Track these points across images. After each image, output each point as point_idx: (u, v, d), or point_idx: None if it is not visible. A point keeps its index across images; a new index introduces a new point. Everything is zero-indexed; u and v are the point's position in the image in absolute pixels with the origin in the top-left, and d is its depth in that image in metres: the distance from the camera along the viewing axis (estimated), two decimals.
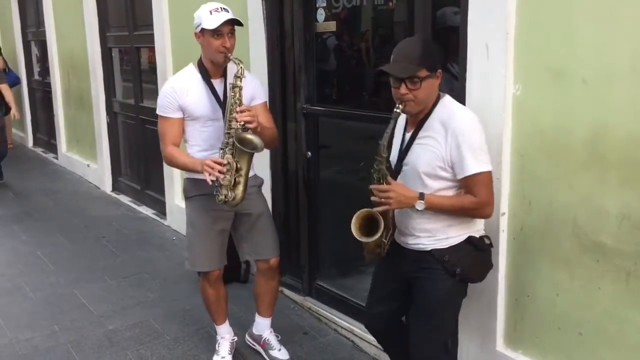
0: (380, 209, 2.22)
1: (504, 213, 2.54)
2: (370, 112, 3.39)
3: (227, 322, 3.31)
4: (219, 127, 2.86)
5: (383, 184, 2.23)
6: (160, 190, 5.62)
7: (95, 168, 7.10)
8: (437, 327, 2.39)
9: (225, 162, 2.73)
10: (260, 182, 3.14)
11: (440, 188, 2.26)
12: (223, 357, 3.25)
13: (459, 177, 2.22)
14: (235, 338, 3.33)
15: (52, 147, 8.61)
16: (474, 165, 2.18)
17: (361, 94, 3.75)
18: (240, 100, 2.77)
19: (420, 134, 2.29)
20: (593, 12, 2.15)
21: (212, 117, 2.90)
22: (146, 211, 6.01)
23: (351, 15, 3.47)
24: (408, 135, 2.34)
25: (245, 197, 2.85)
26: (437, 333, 2.40)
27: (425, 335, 2.38)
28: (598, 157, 2.20)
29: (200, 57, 2.92)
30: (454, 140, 2.18)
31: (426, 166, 2.25)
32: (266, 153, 3.81)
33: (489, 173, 2.23)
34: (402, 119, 2.40)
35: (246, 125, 2.72)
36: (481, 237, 2.36)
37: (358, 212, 2.29)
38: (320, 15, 3.55)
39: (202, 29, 2.79)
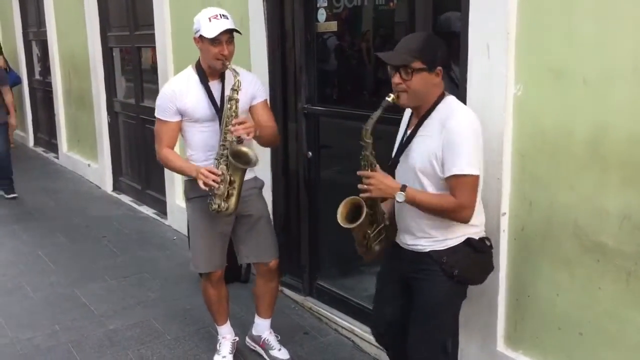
0: (363, 195, 2.22)
1: (505, 213, 2.53)
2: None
3: (228, 322, 3.31)
4: (217, 129, 2.87)
5: (369, 170, 2.23)
6: (161, 190, 5.62)
7: (96, 168, 7.10)
8: (435, 329, 2.38)
9: (220, 172, 2.75)
10: (260, 185, 3.14)
11: (435, 188, 2.25)
12: (224, 357, 3.25)
13: (445, 175, 2.19)
14: (237, 338, 3.33)
15: (53, 147, 8.62)
16: (460, 166, 2.15)
17: (362, 94, 3.75)
18: (237, 113, 2.78)
19: (420, 131, 2.29)
20: (594, 12, 2.15)
21: (210, 118, 2.90)
22: (147, 211, 6.02)
23: (352, 15, 3.47)
24: (409, 132, 2.34)
25: (246, 199, 2.86)
26: (435, 334, 2.39)
27: (423, 336, 2.38)
28: (599, 157, 2.19)
29: (199, 59, 2.93)
30: (447, 137, 2.17)
31: (421, 163, 2.25)
32: (267, 153, 3.82)
33: (475, 177, 2.18)
34: (407, 115, 2.42)
35: (242, 137, 2.74)
36: (481, 239, 2.34)
37: (344, 200, 2.31)
38: (321, 15, 3.55)
39: (201, 36, 2.80)
